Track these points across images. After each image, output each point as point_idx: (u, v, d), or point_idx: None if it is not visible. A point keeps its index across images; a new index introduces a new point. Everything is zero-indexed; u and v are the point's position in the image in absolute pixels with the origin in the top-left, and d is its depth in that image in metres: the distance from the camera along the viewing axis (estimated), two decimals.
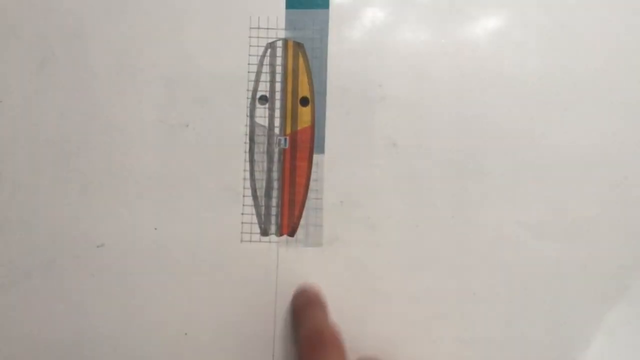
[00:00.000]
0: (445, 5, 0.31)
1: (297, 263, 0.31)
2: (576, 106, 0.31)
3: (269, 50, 0.32)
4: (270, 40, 0.32)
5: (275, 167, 0.31)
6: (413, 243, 0.31)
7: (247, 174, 0.31)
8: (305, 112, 0.31)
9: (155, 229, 0.31)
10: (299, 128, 0.31)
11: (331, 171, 0.31)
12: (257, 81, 0.32)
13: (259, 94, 0.32)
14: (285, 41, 0.32)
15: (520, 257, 0.30)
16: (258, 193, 0.31)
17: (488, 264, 0.30)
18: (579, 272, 0.30)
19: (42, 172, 0.31)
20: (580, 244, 0.30)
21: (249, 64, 0.31)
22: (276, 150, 0.31)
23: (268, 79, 0.32)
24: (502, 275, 0.30)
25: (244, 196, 0.31)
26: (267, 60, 0.32)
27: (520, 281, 0.30)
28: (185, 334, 0.31)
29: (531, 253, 0.30)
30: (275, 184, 0.31)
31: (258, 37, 0.32)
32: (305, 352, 0.26)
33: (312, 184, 0.31)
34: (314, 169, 0.31)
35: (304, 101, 0.31)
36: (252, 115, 0.31)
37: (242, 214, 0.31)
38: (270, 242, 0.31)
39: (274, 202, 0.31)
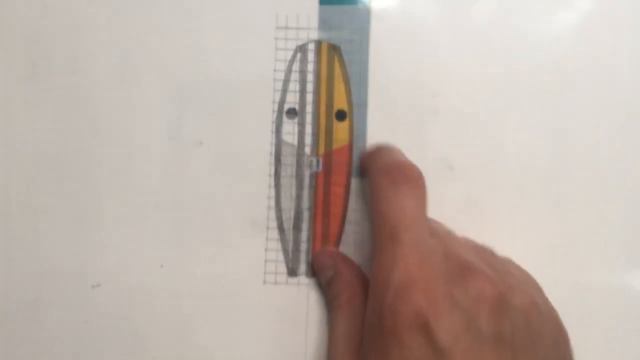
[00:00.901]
0: (512, 3, 0.26)
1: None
2: None
3: (298, 54, 0.26)
4: (300, 42, 0.26)
5: (305, 193, 0.26)
6: None
7: (272, 202, 0.26)
8: (342, 128, 0.26)
9: (162, 266, 0.26)
10: (334, 147, 0.26)
11: None
12: (284, 91, 0.26)
13: (286, 107, 0.26)
14: (319, 43, 0.26)
15: (603, 301, 0.25)
16: (285, 225, 0.26)
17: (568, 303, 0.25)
18: None
19: (30, 195, 0.26)
20: None
21: (274, 70, 0.26)
22: (307, 173, 0.26)
23: (298, 88, 0.26)
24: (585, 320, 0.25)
25: (268, 228, 0.26)
26: (296, 65, 0.26)
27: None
28: None
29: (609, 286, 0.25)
30: (306, 215, 0.26)
31: (286, 39, 0.26)
32: (380, 183, 0.22)
33: (349, 215, 0.26)
34: (352, 196, 0.26)
35: (341, 115, 0.26)
36: (278, 132, 0.26)
37: (266, 250, 0.26)
38: (299, 284, 0.26)
39: (303, 236, 0.26)
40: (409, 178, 0.22)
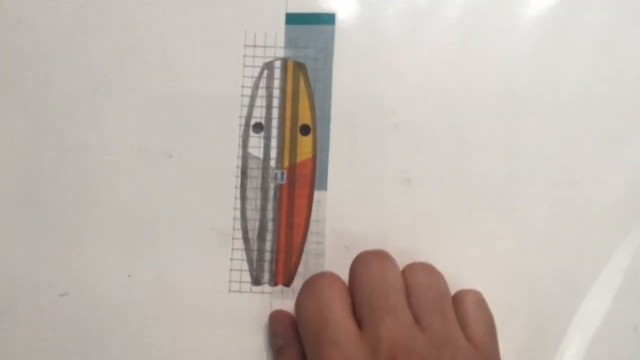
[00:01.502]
0: (469, 19, 0.27)
1: None
2: (622, 138, 0.26)
3: (265, 71, 0.28)
4: (267, 60, 0.28)
5: (270, 205, 0.27)
6: None
7: (238, 213, 0.27)
8: (306, 142, 0.27)
9: (129, 275, 0.27)
10: (298, 160, 0.27)
11: (335, 211, 0.27)
12: (251, 106, 0.27)
13: (253, 121, 0.27)
14: (285, 61, 0.28)
15: (556, 314, 0.26)
16: (250, 235, 0.27)
17: (519, 317, 0.26)
18: None
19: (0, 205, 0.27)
20: None
21: (242, 86, 0.27)
22: (272, 185, 0.27)
23: (264, 103, 0.27)
24: (530, 328, 0.26)
25: (233, 239, 0.27)
26: (263, 82, 0.28)
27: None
28: None
29: (565, 310, 0.26)
30: (270, 225, 0.27)
31: (254, 57, 0.28)
32: (301, 291, 0.24)
33: (312, 226, 0.27)
34: (314, 207, 0.27)
35: (305, 129, 0.27)
36: (245, 145, 0.27)
37: (231, 259, 0.27)
38: (262, 292, 0.27)
39: (268, 246, 0.27)
40: (322, 274, 0.24)
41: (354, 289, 0.23)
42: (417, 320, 0.23)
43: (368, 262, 0.24)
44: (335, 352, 0.21)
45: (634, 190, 0.26)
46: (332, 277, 0.24)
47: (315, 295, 0.23)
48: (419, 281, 0.24)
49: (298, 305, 0.24)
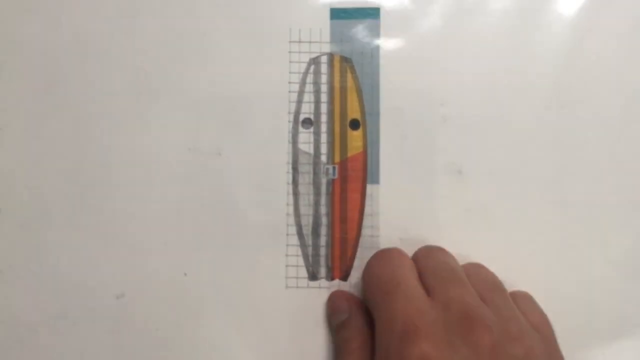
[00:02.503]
0: (514, 13, 0.27)
1: None
2: None
3: (312, 67, 0.28)
4: (313, 55, 0.28)
5: (323, 200, 0.27)
6: None
7: (291, 209, 0.27)
8: (356, 137, 0.27)
9: (185, 274, 0.27)
10: (349, 155, 0.27)
11: (388, 204, 0.27)
12: (299, 102, 0.27)
13: (302, 117, 0.27)
14: (331, 56, 0.28)
15: (610, 300, 0.26)
16: (304, 231, 0.27)
17: (575, 306, 0.26)
18: None
19: (50, 210, 0.27)
20: None
21: (289, 82, 0.27)
22: (324, 181, 0.27)
23: (312, 99, 0.27)
24: (586, 316, 0.26)
25: (287, 234, 0.27)
26: (310, 78, 0.28)
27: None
28: None
29: (622, 293, 0.26)
30: (324, 220, 0.27)
31: (299, 52, 0.28)
32: (370, 262, 0.25)
33: (366, 220, 0.27)
34: (367, 201, 0.27)
35: (355, 124, 0.27)
36: (294, 141, 0.27)
37: (287, 255, 0.27)
38: (320, 287, 0.27)
39: (322, 240, 0.27)
40: (392, 251, 0.25)
41: (421, 268, 0.24)
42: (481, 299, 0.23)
43: (431, 251, 0.25)
44: (410, 307, 0.22)
45: None
46: (400, 251, 0.25)
47: (386, 261, 0.24)
48: (478, 272, 0.25)
49: (369, 268, 0.25)
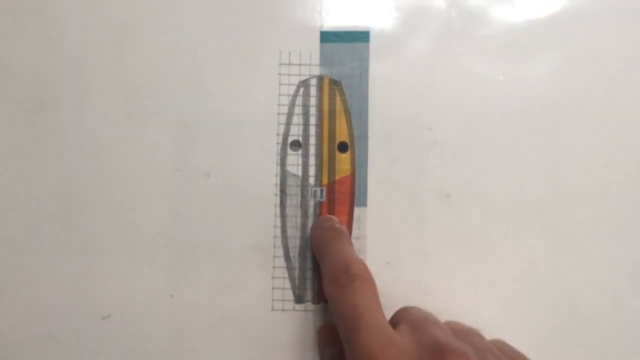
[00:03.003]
0: (502, 38, 0.27)
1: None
2: None
3: (301, 89, 0.28)
4: (302, 78, 0.28)
5: (310, 222, 0.27)
6: (471, 309, 0.26)
7: (278, 231, 0.27)
8: (344, 160, 0.27)
9: (171, 296, 0.27)
10: (337, 178, 0.27)
11: (375, 227, 0.27)
12: (288, 124, 0.28)
13: (290, 139, 0.28)
14: (320, 78, 0.28)
15: (596, 324, 0.26)
16: (291, 253, 0.27)
17: (561, 330, 0.26)
18: None
19: (39, 231, 0.27)
20: None
21: (278, 104, 0.28)
22: (311, 203, 0.27)
23: (301, 121, 0.28)
24: (572, 340, 0.26)
25: (274, 257, 0.27)
26: (299, 100, 0.28)
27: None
28: None
29: (607, 318, 0.26)
30: (311, 243, 0.27)
31: (289, 75, 0.28)
32: (332, 289, 0.23)
33: (353, 242, 0.27)
34: (355, 224, 0.27)
35: (343, 147, 0.27)
36: (283, 164, 0.27)
37: (273, 277, 0.27)
38: (306, 310, 0.27)
39: (309, 263, 0.27)
40: (355, 277, 0.23)
41: (394, 318, 0.24)
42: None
43: (406, 307, 0.24)
44: (373, 342, 0.20)
45: None
46: (364, 275, 0.23)
47: (348, 289, 0.23)
48: (456, 323, 0.24)
49: (331, 298, 0.23)
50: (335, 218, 0.27)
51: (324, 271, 0.24)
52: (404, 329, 0.22)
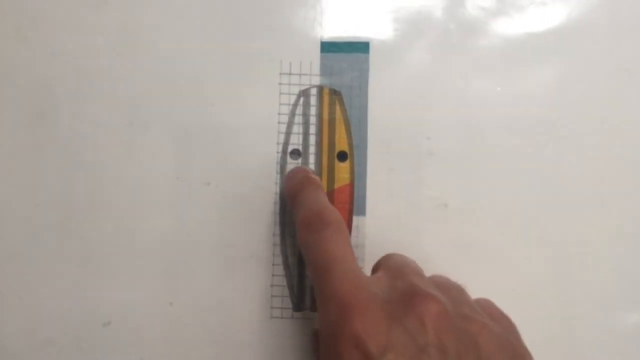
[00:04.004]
0: (502, 49, 0.28)
1: None
2: None
3: (301, 99, 0.28)
4: (303, 87, 0.28)
5: None
6: None
7: (278, 239, 0.27)
8: (343, 169, 0.28)
9: (171, 304, 0.27)
10: (336, 186, 0.28)
11: (374, 236, 0.27)
12: (288, 133, 0.28)
13: (290, 148, 0.28)
14: (320, 88, 0.28)
15: (592, 335, 0.27)
16: (290, 261, 0.27)
17: (556, 340, 0.27)
18: None
19: (39, 238, 0.27)
20: None
21: (279, 113, 0.28)
22: None
23: (301, 130, 0.28)
24: (567, 350, 0.27)
25: (273, 264, 0.27)
26: (299, 109, 0.28)
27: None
28: None
29: (601, 327, 0.27)
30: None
31: (289, 84, 0.28)
32: (304, 236, 0.23)
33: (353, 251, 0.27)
34: (353, 233, 0.27)
35: (342, 156, 0.28)
36: (283, 172, 0.28)
37: (272, 285, 0.27)
38: (304, 318, 0.27)
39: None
40: (328, 223, 0.22)
41: (376, 265, 0.23)
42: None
43: (391, 254, 0.24)
44: (345, 284, 0.20)
45: None
46: (337, 224, 0.23)
47: (321, 235, 0.22)
48: (441, 278, 0.23)
49: (302, 242, 0.23)
50: (309, 169, 0.27)
51: (297, 218, 0.24)
52: (381, 275, 0.22)
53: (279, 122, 0.28)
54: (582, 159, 0.27)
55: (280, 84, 0.28)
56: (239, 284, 0.27)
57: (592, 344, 0.27)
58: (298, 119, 0.28)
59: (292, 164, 0.28)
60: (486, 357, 0.19)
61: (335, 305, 0.20)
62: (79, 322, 0.27)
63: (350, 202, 0.28)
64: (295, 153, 0.28)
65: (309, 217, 0.23)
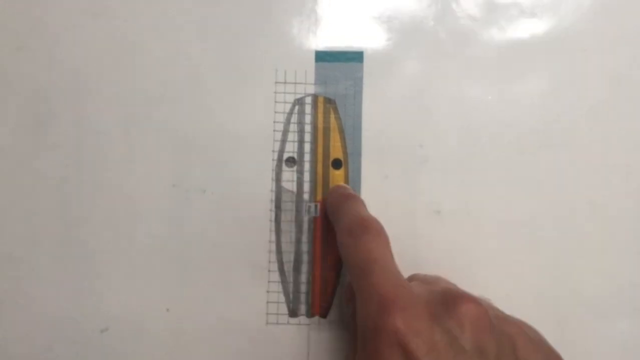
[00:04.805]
0: (492, 58, 0.28)
1: (330, 349, 0.27)
2: (635, 168, 0.28)
3: (296, 107, 0.28)
4: (298, 96, 0.28)
5: (305, 238, 0.28)
6: None
7: (273, 246, 0.28)
8: (338, 176, 0.28)
9: (168, 310, 0.27)
10: None
11: None
12: (283, 141, 0.28)
13: (285, 156, 0.28)
14: (315, 97, 0.28)
15: (582, 337, 0.27)
16: (285, 268, 0.28)
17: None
18: None
19: (38, 245, 0.27)
20: None
21: (274, 122, 0.28)
22: (306, 218, 0.28)
23: (296, 138, 0.28)
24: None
25: (269, 271, 0.27)
26: (294, 118, 0.28)
27: None
28: None
29: (593, 332, 0.27)
30: (305, 257, 0.28)
31: (285, 93, 0.28)
32: (346, 240, 0.23)
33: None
34: None
35: (337, 163, 0.28)
36: (278, 179, 0.28)
37: (268, 292, 0.27)
38: (300, 324, 0.27)
39: (303, 278, 0.28)
40: (370, 229, 0.23)
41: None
42: None
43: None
44: (387, 281, 0.21)
45: None
46: (377, 227, 0.23)
47: (362, 237, 0.23)
48: None
49: (344, 247, 0.23)
50: (348, 186, 0.28)
51: (339, 227, 0.24)
52: (417, 283, 0.23)
53: (274, 131, 0.28)
54: (573, 165, 0.28)
55: (275, 92, 0.28)
56: (235, 290, 0.27)
57: (584, 348, 0.27)
58: (293, 127, 0.28)
59: (287, 171, 0.28)
60: (524, 358, 0.20)
61: (377, 302, 0.20)
62: (76, 328, 0.27)
63: None
64: (291, 161, 0.28)
65: (351, 224, 0.23)
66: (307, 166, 0.28)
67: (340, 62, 0.29)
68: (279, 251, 0.28)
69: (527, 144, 0.28)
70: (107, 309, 0.27)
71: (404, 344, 0.19)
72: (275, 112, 0.28)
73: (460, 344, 0.19)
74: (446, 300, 0.20)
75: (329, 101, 0.28)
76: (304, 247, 0.28)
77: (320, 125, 0.28)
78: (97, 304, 0.27)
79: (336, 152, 0.28)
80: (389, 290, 0.20)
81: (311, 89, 0.29)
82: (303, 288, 0.28)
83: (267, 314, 0.27)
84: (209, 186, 0.28)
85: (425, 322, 0.19)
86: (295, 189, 0.28)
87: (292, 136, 0.28)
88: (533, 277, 0.27)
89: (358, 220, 0.23)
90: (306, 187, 0.28)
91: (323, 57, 0.29)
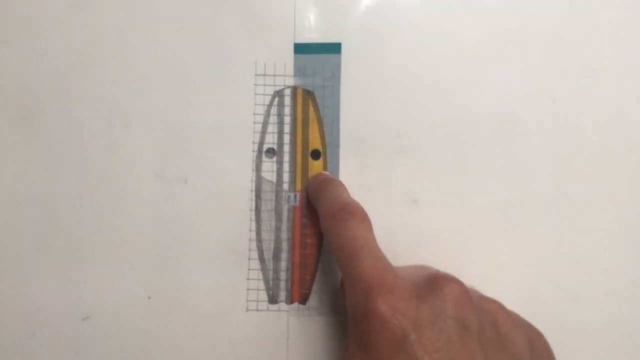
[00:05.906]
0: (468, 50, 0.29)
1: (309, 334, 0.28)
2: (611, 158, 0.28)
3: (276, 99, 0.29)
4: (277, 88, 0.29)
5: (284, 226, 0.28)
6: None
7: (253, 235, 0.28)
8: (316, 166, 0.29)
9: (149, 297, 0.28)
10: None
11: None
12: (263, 132, 0.29)
13: (265, 147, 0.29)
14: (294, 89, 0.29)
15: (555, 320, 0.28)
16: (265, 255, 0.28)
17: None
18: None
19: (20, 235, 0.28)
20: None
21: (254, 113, 0.29)
22: (285, 207, 0.28)
23: (276, 130, 0.29)
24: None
25: (249, 259, 0.28)
26: (274, 109, 0.29)
27: None
28: None
29: (566, 316, 0.28)
30: (285, 245, 0.28)
31: (264, 85, 0.29)
32: (329, 225, 0.24)
33: (325, 244, 0.28)
34: None
35: (315, 154, 0.29)
36: (258, 170, 0.29)
37: (248, 279, 0.28)
38: (279, 310, 0.28)
39: (283, 265, 0.28)
40: (355, 215, 0.24)
41: None
42: None
43: None
44: (375, 265, 0.21)
45: (624, 206, 0.28)
46: (361, 213, 0.24)
47: (345, 224, 0.23)
48: None
49: (329, 233, 0.24)
50: (325, 173, 0.28)
51: (321, 211, 0.25)
52: (402, 267, 0.24)
53: (254, 122, 0.29)
54: (547, 154, 0.28)
55: (255, 84, 0.29)
56: (216, 278, 0.28)
57: (557, 331, 0.27)
58: (273, 118, 0.29)
59: (267, 162, 0.29)
60: (505, 332, 0.22)
61: (365, 287, 0.21)
62: (59, 316, 0.27)
63: None
64: (271, 152, 0.29)
65: (333, 208, 0.24)
66: (286, 157, 0.29)
67: (319, 54, 0.29)
68: (259, 239, 0.28)
69: (502, 134, 0.29)
70: (89, 297, 0.27)
71: (392, 323, 0.20)
72: (256, 104, 0.29)
73: (444, 320, 0.20)
74: (430, 282, 0.21)
75: (307, 93, 0.29)
76: (284, 236, 0.28)
77: (299, 116, 0.29)
78: (79, 292, 0.27)
79: (315, 143, 0.29)
80: (376, 275, 0.21)
81: (290, 81, 0.29)
82: (283, 275, 0.28)
83: (248, 300, 0.28)
84: (191, 176, 0.28)
85: (411, 302, 0.20)
86: (275, 179, 0.29)
87: (272, 127, 0.29)
88: (509, 264, 0.28)
89: (341, 205, 0.24)
90: (286, 177, 0.29)
91: (302, 49, 0.29)
